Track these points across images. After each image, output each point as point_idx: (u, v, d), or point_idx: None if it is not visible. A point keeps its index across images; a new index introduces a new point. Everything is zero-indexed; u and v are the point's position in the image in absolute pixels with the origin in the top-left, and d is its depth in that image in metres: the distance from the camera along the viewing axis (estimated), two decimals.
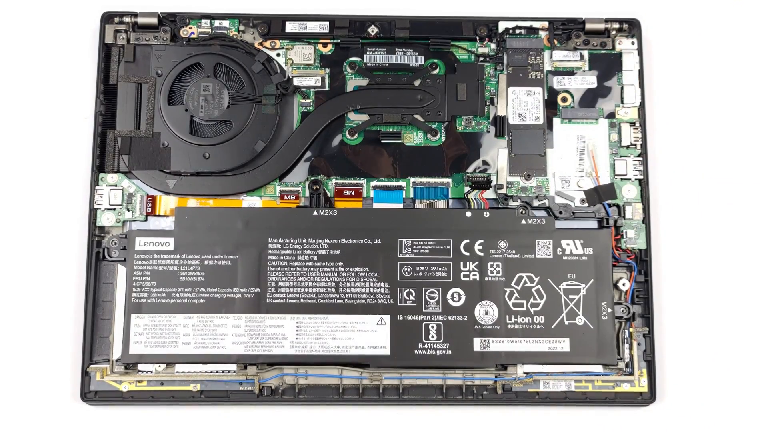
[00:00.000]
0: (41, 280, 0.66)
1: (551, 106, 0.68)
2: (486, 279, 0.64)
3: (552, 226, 0.64)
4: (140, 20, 0.68)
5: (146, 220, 0.66)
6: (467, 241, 0.64)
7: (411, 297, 0.64)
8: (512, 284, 0.64)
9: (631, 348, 0.64)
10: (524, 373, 0.64)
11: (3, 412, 0.65)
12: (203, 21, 0.68)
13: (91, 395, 0.64)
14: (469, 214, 0.65)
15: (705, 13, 0.71)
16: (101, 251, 0.65)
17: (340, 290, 0.64)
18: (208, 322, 0.63)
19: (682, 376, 0.66)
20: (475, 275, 0.64)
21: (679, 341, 0.67)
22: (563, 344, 0.63)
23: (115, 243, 0.64)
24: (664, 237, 0.68)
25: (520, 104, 0.67)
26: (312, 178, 0.66)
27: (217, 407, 0.65)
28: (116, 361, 0.63)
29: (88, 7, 0.69)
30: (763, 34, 0.71)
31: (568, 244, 0.64)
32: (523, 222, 0.64)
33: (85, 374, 0.64)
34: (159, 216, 0.66)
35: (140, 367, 0.63)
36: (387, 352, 0.63)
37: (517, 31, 0.68)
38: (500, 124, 0.67)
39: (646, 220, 0.66)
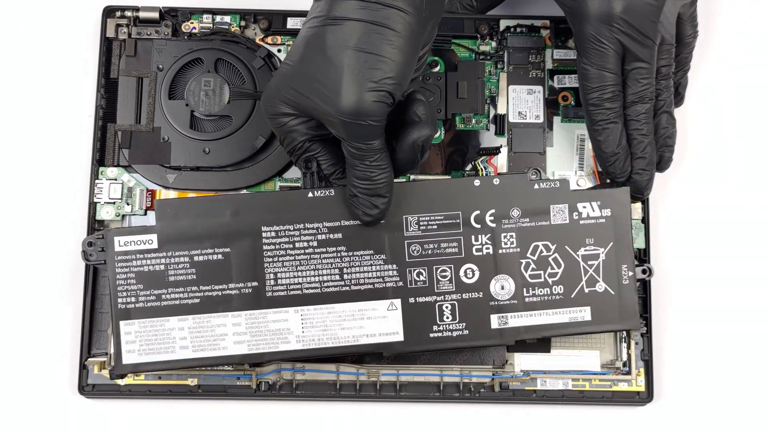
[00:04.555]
0: (40, 273, 0.66)
1: (552, 104, 0.68)
2: (500, 252, 0.60)
3: (567, 188, 0.60)
4: (142, 14, 0.68)
5: (146, 214, 0.66)
6: (477, 212, 0.60)
7: (422, 277, 0.60)
8: (528, 255, 0.60)
9: (629, 347, 0.64)
10: (521, 371, 0.64)
11: (1, 404, 0.65)
12: (205, 16, 0.68)
13: (88, 388, 0.64)
14: (477, 182, 0.60)
15: (705, 11, 0.71)
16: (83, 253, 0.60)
17: (345, 277, 0.60)
18: (205, 323, 0.59)
19: (680, 376, 0.66)
20: (488, 248, 0.60)
21: (676, 341, 0.67)
22: (584, 313, 0.60)
23: (91, 245, 0.59)
24: (662, 237, 0.68)
25: (521, 102, 0.67)
26: (304, 156, 0.59)
27: (214, 402, 0.65)
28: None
29: (90, 1, 0.69)
30: (764, 32, 0.71)
31: (584, 207, 0.60)
32: (536, 187, 0.60)
33: (83, 367, 0.64)
34: None
35: None
36: (401, 338, 0.60)
37: (518, 30, 0.68)
38: (500, 122, 0.67)
39: (645, 219, 0.66)
